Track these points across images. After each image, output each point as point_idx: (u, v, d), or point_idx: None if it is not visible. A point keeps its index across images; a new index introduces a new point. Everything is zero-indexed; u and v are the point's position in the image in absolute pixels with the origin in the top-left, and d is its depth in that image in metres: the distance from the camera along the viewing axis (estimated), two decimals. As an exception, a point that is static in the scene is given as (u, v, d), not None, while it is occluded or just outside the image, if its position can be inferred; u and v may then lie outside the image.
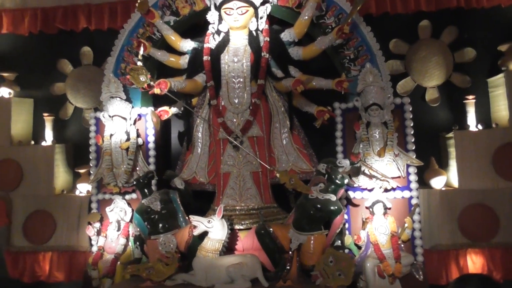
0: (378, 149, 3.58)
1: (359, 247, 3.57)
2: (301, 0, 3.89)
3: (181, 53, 4.06)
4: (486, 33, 4.29)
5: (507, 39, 4.13)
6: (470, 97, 4.12)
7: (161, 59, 4.03)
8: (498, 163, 3.88)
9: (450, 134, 4.04)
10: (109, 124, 4.00)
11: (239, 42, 3.89)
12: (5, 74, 4.73)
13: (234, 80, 3.84)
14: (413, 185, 3.62)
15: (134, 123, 4.03)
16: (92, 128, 4.14)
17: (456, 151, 3.96)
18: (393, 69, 4.24)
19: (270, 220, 3.66)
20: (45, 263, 4.30)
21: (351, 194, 3.69)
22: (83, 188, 4.41)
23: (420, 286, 3.38)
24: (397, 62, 4.29)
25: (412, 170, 3.64)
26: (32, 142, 4.66)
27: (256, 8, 3.82)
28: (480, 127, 4.05)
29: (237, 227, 3.65)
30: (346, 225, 3.67)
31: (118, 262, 3.72)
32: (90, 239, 4.04)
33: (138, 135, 4.01)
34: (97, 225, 3.96)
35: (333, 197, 3.33)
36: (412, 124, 3.69)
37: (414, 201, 3.61)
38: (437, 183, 3.99)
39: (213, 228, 3.35)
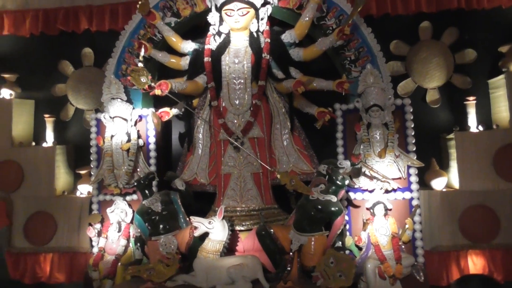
0: (379, 150, 3.58)
1: (359, 248, 3.57)
2: (302, 1, 3.90)
3: (182, 55, 4.06)
4: (487, 34, 4.29)
5: (508, 40, 4.13)
6: (471, 98, 4.11)
7: (162, 60, 4.03)
8: (499, 164, 3.88)
9: (451, 135, 4.03)
10: (110, 125, 4.00)
11: (240, 43, 3.89)
12: (6, 75, 4.74)
13: (235, 81, 3.84)
14: (414, 186, 3.62)
15: (135, 124, 4.04)
16: (93, 129, 4.14)
17: (457, 152, 3.96)
18: (394, 70, 4.24)
19: (271, 221, 3.66)
20: (46, 264, 4.30)
21: (351, 195, 3.69)
22: (84, 189, 4.41)
23: (421, 287, 3.37)
24: (398, 63, 4.29)
25: (412, 171, 3.63)
26: (33, 143, 4.67)
27: (257, 10, 3.83)
28: (480, 128, 4.05)
29: (237, 228, 3.66)
30: (347, 226, 3.67)
31: (119, 263, 3.72)
32: (91, 240, 4.04)
33: (139, 136, 4.01)
34: (98, 226, 3.96)
35: (334, 198, 3.34)
36: (412, 125, 3.69)
37: (414, 202, 3.60)
38: (438, 184, 3.99)
39: (214, 229, 3.35)
